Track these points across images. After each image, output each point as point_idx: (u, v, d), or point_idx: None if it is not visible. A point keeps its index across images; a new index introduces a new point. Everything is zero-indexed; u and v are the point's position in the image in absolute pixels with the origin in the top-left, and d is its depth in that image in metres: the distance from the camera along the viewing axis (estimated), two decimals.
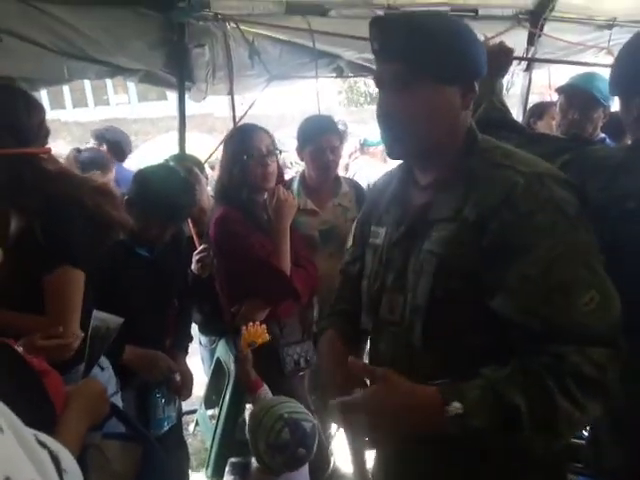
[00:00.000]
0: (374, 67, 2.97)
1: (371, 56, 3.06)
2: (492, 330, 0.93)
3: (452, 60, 0.94)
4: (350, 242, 1.31)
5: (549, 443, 0.88)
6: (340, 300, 1.27)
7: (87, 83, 18.30)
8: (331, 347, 1.19)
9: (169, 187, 1.77)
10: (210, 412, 2.42)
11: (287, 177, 2.45)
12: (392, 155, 1.05)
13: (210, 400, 2.39)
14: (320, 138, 2.25)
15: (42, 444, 0.39)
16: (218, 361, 2.25)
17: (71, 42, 2.22)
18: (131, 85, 18.91)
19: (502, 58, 1.52)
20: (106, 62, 2.33)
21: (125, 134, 3.62)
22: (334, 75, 2.95)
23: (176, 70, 2.48)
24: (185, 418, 3.17)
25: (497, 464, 0.97)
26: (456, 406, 0.83)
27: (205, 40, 2.45)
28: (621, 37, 3.67)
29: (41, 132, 1.27)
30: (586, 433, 1.66)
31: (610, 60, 3.65)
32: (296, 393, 1.99)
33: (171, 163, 2.40)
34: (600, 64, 3.36)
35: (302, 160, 2.40)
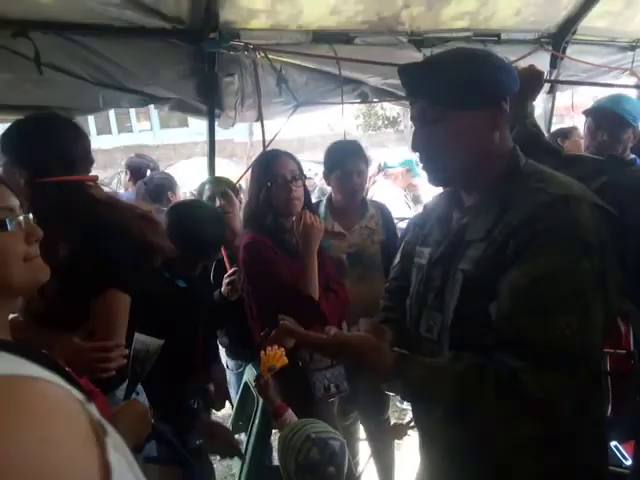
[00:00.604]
0: (398, 92, 3.02)
1: (395, 81, 3.12)
2: None
3: (472, 88, 0.99)
4: (397, 259, 1.33)
5: None
6: (386, 310, 1.32)
7: (111, 111, 18.79)
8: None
9: (200, 226, 1.83)
10: (237, 437, 2.41)
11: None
12: (433, 183, 1.12)
13: (237, 425, 2.38)
14: (347, 162, 2.28)
15: None
16: (246, 386, 2.25)
17: (107, 73, 2.30)
18: (154, 112, 19.39)
19: (533, 81, 1.54)
20: (139, 91, 2.40)
21: (146, 159, 3.78)
22: (359, 101, 2.99)
23: (207, 98, 2.54)
24: None
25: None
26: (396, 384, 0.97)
27: (235, 69, 2.51)
28: None
29: (87, 160, 1.32)
30: (628, 462, 1.61)
31: (634, 81, 3.65)
32: (325, 420, 1.97)
33: (207, 185, 2.44)
34: (625, 85, 3.37)
35: (329, 184, 2.43)
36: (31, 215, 0.96)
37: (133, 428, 1.02)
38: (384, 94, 2.91)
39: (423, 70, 1.05)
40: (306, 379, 1.96)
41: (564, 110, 6.83)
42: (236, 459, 2.18)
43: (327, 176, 2.37)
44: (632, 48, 3.61)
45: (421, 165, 1.11)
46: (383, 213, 2.46)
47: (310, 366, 1.98)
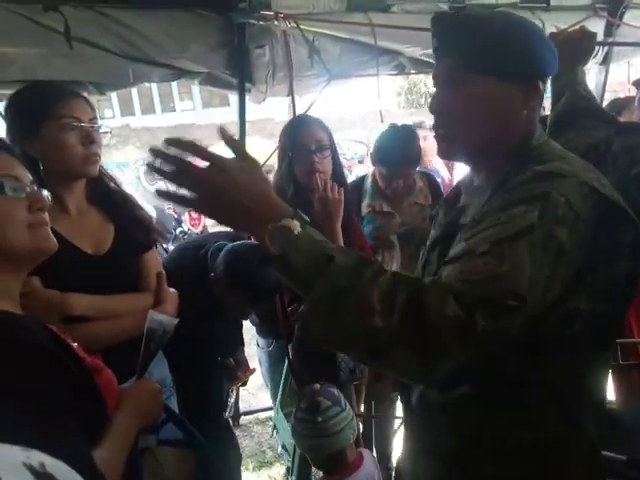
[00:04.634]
0: None
1: None
2: None
3: (509, 56, 0.88)
4: None
5: (327, 324, 0.74)
6: None
7: (155, 90, 19.09)
8: None
9: (255, 281, 1.69)
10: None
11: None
12: (441, 154, 1.02)
13: (285, 402, 2.33)
14: (394, 164, 2.12)
15: (32, 470, 0.35)
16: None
17: (135, 46, 2.26)
18: (195, 92, 19.55)
19: (584, 44, 1.39)
20: (169, 65, 2.35)
21: None
22: (396, 72, 2.86)
23: (237, 71, 2.47)
24: (243, 419, 3.19)
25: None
26: (293, 224, 0.75)
27: (265, 40, 2.43)
28: None
29: None
30: None
31: None
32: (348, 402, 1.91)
33: None
34: None
35: (373, 164, 2.28)
36: (45, 192, 0.95)
37: (142, 407, 0.98)
38: (423, 65, 2.76)
39: (459, 23, 0.92)
40: (333, 359, 1.91)
41: (618, 85, 6.41)
42: (285, 435, 2.14)
43: (373, 161, 2.24)
44: None
45: (433, 133, 0.99)
46: (431, 184, 2.33)
47: None
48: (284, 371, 2.25)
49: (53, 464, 0.37)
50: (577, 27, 1.48)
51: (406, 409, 1.06)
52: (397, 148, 2.13)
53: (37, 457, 0.36)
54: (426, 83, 17.35)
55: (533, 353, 0.80)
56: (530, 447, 0.86)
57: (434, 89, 0.96)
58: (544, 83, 0.93)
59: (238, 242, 1.85)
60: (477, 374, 0.79)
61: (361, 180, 2.38)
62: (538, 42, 0.92)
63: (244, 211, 0.76)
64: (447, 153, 1.00)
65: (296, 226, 0.76)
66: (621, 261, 0.84)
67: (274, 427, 2.52)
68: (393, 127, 2.30)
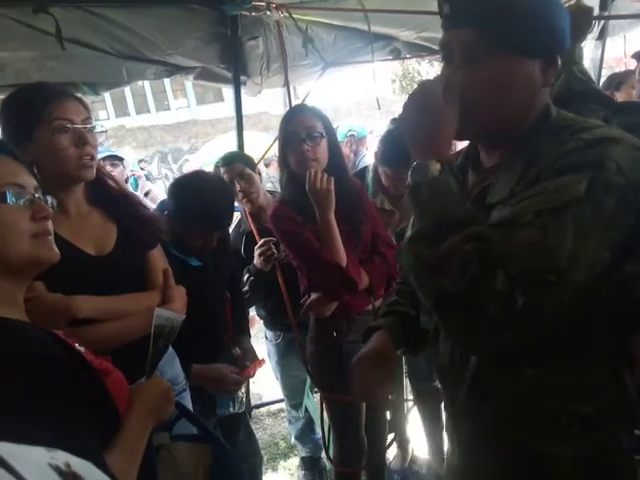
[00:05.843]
0: (433, 46, 2.82)
1: (429, 35, 2.92)
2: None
3: (533, 29, 0.81)
4: None
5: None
6: (399, 300, 1.19)
7: (148, 90, 19.01)
8: (376, 352, 1.14)
9: (205, 197, 1.70)
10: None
11: None
12: (460, 136, 0.94)
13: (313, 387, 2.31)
14: (401, 170, 2.01)
15: (58, 470, 0.34)
16: None
17: (128, 44, 2.25)
18: (189, 89, 19.48)
19: (582, 20, 1.37)
20: (163, 62, 2.34)
21: None
22: (391, 57, 2.83)
23: (231, 64, 2.46)
24: (255, 412, 3.21)
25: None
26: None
27: (258, 32, 2.42)
28: None
29: None
30: None
31: None
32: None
33: (222, 169, 2.33)
34: None
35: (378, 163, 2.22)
36: (50, 199, 0.94)
37: (153, 406, 0.98)
38: (418, 49, 2.74)
39: None
40: (340, 350, 1.90)
41: (614, 61, 6.34)
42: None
43: (378, 161, 2.18)
44: None
45: None
46: None
47: (347, 337, 1.92)
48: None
49: (79, 463, 0.36)
50: (573, 2, 1.46)
51: (453, 405, 1.02)
52: (403, 149, 2.04)
53: (62, 457, 0.36)
54: (420, 72, 17.21)
55: (593, 324, 0.82)
56: (589, 418, 0.84)
57: (443, 64, 0.89)
58: (561, 56, 0.88)
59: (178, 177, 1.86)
60: (542, 355, 0.83)
61: (362, 172, 2.35)
62: (559, 12, 0.85)
63: (438, 132, 0.84)
64: (468, 135, 0.93)
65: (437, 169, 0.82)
66: None
67: (305, 409, 2.51)
68: (394, 134, 2.20)
